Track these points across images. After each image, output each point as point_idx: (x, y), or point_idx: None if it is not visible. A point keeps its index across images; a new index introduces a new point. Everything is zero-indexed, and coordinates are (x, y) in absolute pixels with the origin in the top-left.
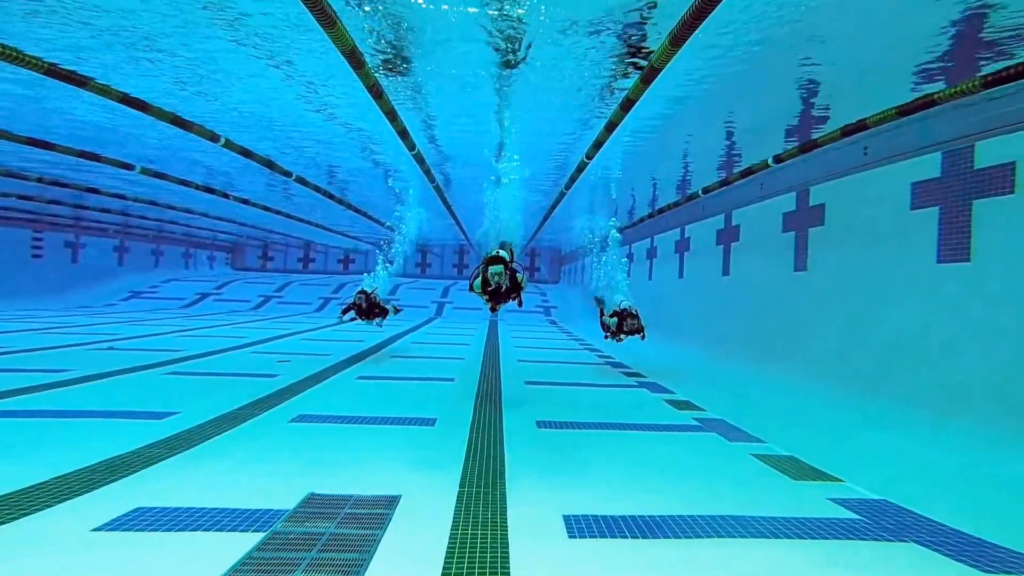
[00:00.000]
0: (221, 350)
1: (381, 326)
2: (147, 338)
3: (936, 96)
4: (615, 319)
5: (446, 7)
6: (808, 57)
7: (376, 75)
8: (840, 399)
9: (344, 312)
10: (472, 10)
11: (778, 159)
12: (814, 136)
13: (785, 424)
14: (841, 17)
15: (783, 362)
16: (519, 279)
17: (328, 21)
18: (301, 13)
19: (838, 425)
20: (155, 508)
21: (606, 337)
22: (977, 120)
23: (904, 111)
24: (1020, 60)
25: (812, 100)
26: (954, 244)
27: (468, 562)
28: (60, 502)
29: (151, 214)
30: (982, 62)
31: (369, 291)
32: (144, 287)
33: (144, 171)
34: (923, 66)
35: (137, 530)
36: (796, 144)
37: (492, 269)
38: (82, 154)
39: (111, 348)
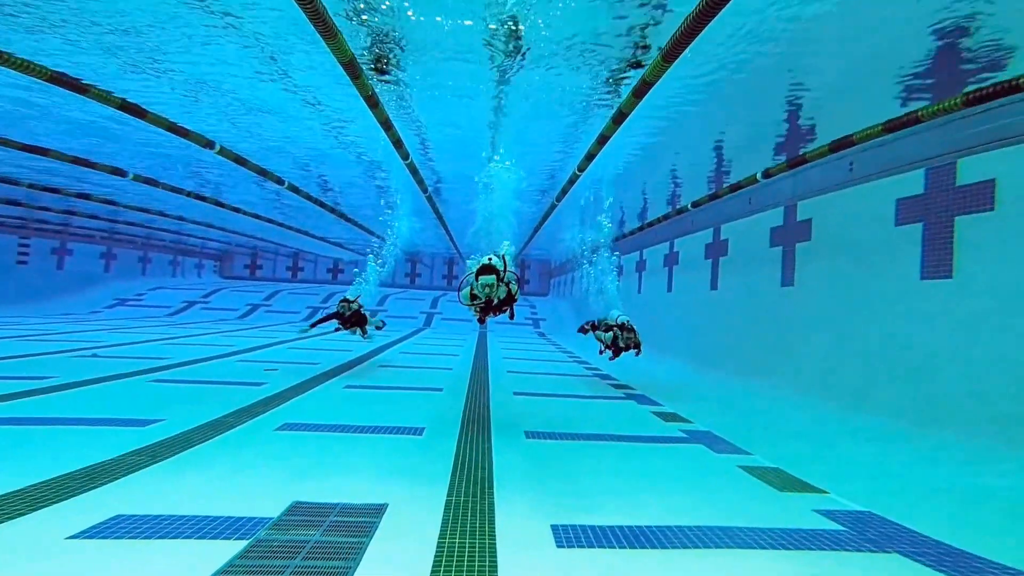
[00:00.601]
0: (207, 358)
1: (366, 336)
2: (132, 345)
3: (920, 113)
4: (610, 334)
5: (439, 19)
6: (796, 78)
7: (371, 83)
8: (825, 412)
9: (317, 323)
10: (467, 23)
11: (767, 174)
12: (802, 152)
13: (771, 436)
14: (829, 34)
15: (770, 375)
16: (512, 290)
17: (329, 33)
18: (301, 24)
19: (823, 437)
20: (135, 516)
21: (601, 351)
22: (959, 137)
23: (889, 128)
24: (1001, 78)
25: (799, 116)
26: (937, 260)
27: (455, 571)
28: (35, 509)
29: (140, 220)
30: (966, 80)
31: (352, 298)
32: (130, 295)
33: (136, 178)
34: (908, 83)
35: (115, 538)
36: (784, 160)
37: (483, 279)
38: (75, 160)
39: (95, 355)
